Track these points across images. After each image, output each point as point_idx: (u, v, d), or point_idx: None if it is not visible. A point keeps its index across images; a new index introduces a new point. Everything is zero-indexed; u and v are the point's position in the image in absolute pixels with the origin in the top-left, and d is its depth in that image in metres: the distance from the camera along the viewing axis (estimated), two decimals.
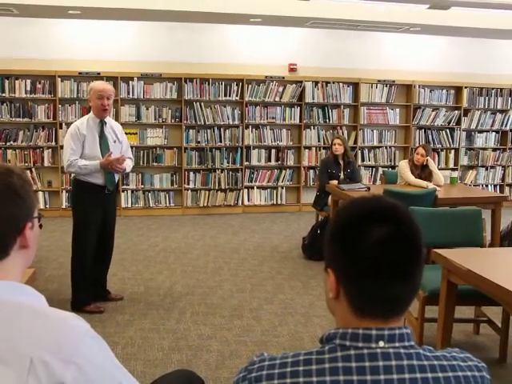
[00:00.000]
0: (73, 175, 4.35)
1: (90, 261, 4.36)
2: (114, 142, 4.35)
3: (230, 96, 8.32)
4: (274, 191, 8.67)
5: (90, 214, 4.28)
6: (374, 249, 1.06)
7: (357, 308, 1.09)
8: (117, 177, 4.45)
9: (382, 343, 1.06)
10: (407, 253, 1.08)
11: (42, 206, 7.89)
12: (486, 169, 9.43)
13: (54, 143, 7.86)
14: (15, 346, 1.11)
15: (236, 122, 8.39)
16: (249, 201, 8.59)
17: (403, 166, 6.16)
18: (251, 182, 8.58)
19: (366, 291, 1.08)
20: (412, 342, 1.09)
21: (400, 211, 1.10)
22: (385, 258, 1.06)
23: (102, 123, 4.29)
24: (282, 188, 8.68)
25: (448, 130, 9.14)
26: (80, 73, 7.79)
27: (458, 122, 9.12)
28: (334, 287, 1.12)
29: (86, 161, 4.18)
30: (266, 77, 8.38)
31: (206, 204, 8.43)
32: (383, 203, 1.12)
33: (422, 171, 6.11)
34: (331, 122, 8.70)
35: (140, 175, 8.20)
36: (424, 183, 5.88)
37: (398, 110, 8.98)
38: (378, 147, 8.98)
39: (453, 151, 9.24)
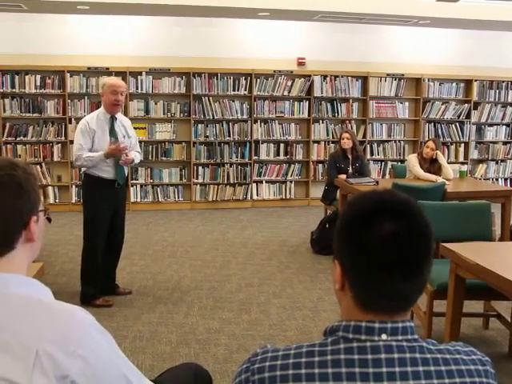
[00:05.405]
0: (83, 170, 4.39)
1: (101, 255, 4.39)
2: (124, 137, 4.38)
3: (238, 90, 8.31)
4: (283, 185, 8.66)
5: (100, 209, 4.30)
6: (384, 244, 1.04)
7: (362, 302, 1.09)
8: (126, 171, 4.47)
9: (384, 336, 1.06)
10: (418, 249, 1.06)
11: (51, 200, 7.94)
12: (497, 162, 9.37)
13: (63, 138, 7.90)
14: (22, 339, 1.12)
15: (244, 117, 8.38)
16: (257, 195, 8.59)
17: (412, 160, 6.12)
18: (260, 176, 8.57)
19: (372, 286, 1.07)
20: (415, 336, 1.09)
21: (412, 206, 1.09)
22: (395, 254, 1.04)
23: (113, 119, 4.32)
24: (291, 182, 8.67)
25: (458, 124, 9.08)
26: (89, 68, 7.82)
27: (468, 116, 9.07)
28: (339, 279, 1.12)
29: (90, 153, 4.21)
30: (274, 71, 8.36)
31: (214, 198, 8.44)
32: (395, 198, 1.10)
33: (431, 165, 6.07)
34: (340, 115, 8.67)
35: (149, 170, 8.22)
36: (433, 177, 5.85)
37: (407, 103, 8.93)
38: (387, 141, 8.94)
39: (462, 145, 9.18)
